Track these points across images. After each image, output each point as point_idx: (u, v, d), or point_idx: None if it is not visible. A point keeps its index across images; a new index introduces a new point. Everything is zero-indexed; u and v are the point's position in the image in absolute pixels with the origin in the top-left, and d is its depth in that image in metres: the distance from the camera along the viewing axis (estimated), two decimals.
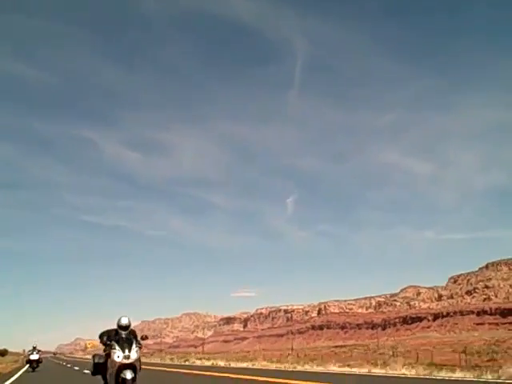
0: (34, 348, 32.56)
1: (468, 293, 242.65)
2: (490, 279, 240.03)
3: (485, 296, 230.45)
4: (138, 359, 9.36)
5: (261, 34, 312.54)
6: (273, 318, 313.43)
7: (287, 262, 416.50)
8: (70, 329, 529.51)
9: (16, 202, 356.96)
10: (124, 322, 9.66)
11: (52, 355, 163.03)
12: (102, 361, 9.71)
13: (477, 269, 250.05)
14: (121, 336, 9.43)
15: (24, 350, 43.07)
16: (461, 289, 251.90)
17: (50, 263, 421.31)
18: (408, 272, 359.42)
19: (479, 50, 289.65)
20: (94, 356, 9.95)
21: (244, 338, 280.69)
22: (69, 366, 44.71)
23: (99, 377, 9.73)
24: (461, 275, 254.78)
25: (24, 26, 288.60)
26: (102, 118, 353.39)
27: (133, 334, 9.78)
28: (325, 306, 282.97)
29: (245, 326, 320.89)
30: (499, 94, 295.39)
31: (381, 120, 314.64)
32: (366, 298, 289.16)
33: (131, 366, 9.11)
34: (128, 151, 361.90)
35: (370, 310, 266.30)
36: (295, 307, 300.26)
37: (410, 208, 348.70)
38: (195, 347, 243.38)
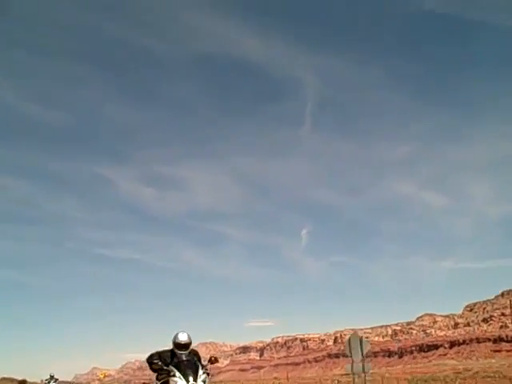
0: (52, 377, 31.27)
1: (484, 320, 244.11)
2: (506, 307, 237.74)
3: (501, 323, 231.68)
4: None
5: (272, 71, 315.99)
6: (289, 347, 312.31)
7: (302, 292, 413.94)
8: (87, 359, 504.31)
9: (32, 237, 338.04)
10: (183, 339, 7.78)
11: None
12: None
13: (493, 297, 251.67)
14: (181, 359, 7.66)
15: (42, 380, 42.07)
16: (477, 317, 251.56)
17: (66, 296, 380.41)
18: (424, 300, 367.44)
19: (492, 82, 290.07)
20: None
21: (260, 367, 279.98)
22: None
23: None
24: (477, 303, 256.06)
25: (38, 66, 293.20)
26: (116, 155, 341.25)
27: (195, 355, 8.06)
28: (341, 335, 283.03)
29: (261, 355, 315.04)
30: (510, 127, 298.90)
31: (395, 153, 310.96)
32: (382, 327, 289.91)
33: None
34: (142, 187, 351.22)
35: (386, 338, 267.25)
36: (311, 336, 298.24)
37: (426, 239, 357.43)
38: (212, 376, 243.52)
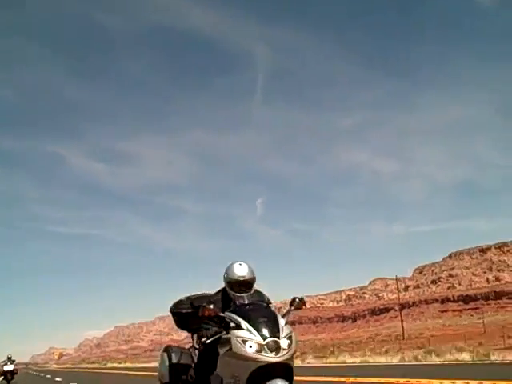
0: (9, 358, 29.06)
1: (433, 282, 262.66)
2: (453, 268, 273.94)
3: (449, 284, 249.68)
4: (292, 355, 3.71)
5: (222, 43, 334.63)
6: None
7: (259, 261, 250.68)
8: (44, 339, 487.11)
9: None
10: (242, 273, 4.41)
11: (24, 366, 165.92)
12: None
13: (441, 259, 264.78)
14: (243, 303, 4.18)
15: None
16: (426, 279, 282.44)
17: (20, 276, 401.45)
18: (376, 265, 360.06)
19: (437, 45, 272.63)
20: (167, 349, 4.94)
21: None
22: (41, 375, 46.10)
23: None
24: (426, 266, 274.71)
25: None
26: (67, 132, 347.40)
27: (263, 300, 4.60)
28: None
29: None
30: (459, 91, 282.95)
31: (345, 122, 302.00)
32: (336, 292, 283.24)
33: (285, 369, 3.62)
34: (94, 162, 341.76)
35: (340, 304, 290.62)
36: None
37: (378, 205, 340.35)
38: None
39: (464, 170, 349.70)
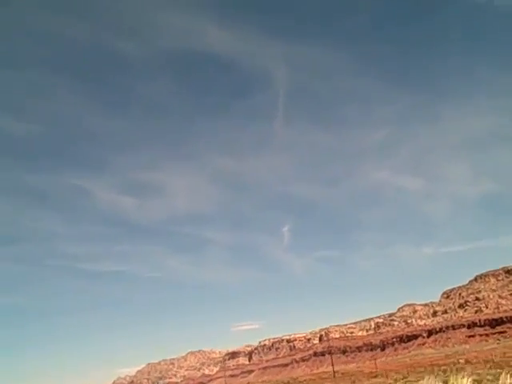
0: None
1: (460, 306, 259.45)
2: (480, 291, 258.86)
3: (476, 308, 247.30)
4: None
5: (241, 64, 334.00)
6: (276, 349, 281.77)
7: (287, 290, 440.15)
8: (78, 377, 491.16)
9: (11, 256, 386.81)
10: None
11: None
12: None
13: (467, 282, 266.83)
14: None
15: None
16: (453, 303, 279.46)
17: (50, 315, 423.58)
18: (405, 290, 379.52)
19: (461, 57, 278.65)
20: None
21: (250, 371, 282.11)
22: None
23: None
24: (453, 289, 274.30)
25: (7, 77, 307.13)
26: (92, 164, 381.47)
27: None
28: (326, 333, 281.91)
29: (250, 359, 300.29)
30: (485, 101, 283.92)
31: (369, 140, 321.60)
32: (365, 320, 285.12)
33: None
34: (121, 195, 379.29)
35: (370, 332, 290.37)
36: (297, 336, 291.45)
37: (405, 225, 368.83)
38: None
39: (491, 186, 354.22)
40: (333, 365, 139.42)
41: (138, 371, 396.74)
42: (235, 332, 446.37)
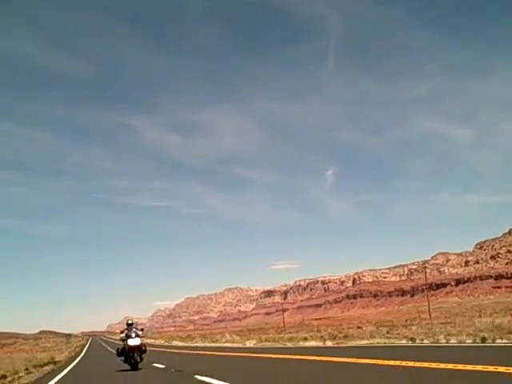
0: (130, 325, 16.03)
1: (492, 258, 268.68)
2: None
3: (507, 260, 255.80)
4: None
5: (294, 11, 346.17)
6: (311, 289, 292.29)
7: (327, 233, 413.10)
8: (119, 308, 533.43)
9: (58, 188, 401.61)
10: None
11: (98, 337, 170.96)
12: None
13: (501, 234, 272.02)
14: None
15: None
16: (486, 254, 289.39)
17: (95, 245, 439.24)
18: (441, 238, 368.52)
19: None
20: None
21: (285, 310, 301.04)
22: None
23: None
24: (486, 241, 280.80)
25: (60, 17, 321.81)
26: (140, 104, 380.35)
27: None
28: (359, 276, 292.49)
29: (285, 298, 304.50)
30: None
31: (418, 90, 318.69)
32: (399, 266, 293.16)
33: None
34: (166, 134, 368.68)
35: (402, 278, 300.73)
36: (332, 278, 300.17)
37: (451, 174, 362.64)
38: (239, 320, 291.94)
39: None
40: None
41: (177, 305, 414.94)
42: (272, 271, 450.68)
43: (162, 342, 62.91)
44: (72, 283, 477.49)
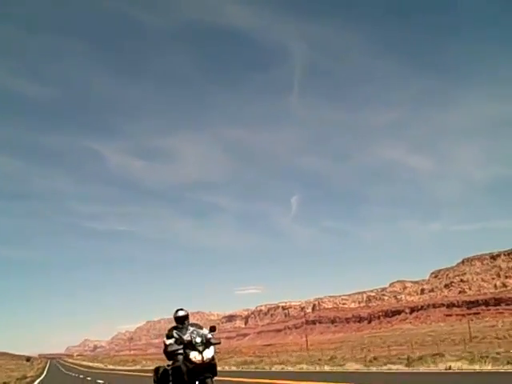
0: (183, 319, 8.10)
1: (446, 286, 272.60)
2: (465, 274, 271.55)
3: (460, 289, 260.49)
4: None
5: (260, 39, 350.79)
6: (272, 315, 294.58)
7: (290, 259, 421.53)
8: (79, 331, 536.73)
9: (22, 212, 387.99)
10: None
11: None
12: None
13: (455, 264, 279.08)
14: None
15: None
16: (440, 283, 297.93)
17: (56, 268, 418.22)
18: (401, 266, 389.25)
19: (476, 44, 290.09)
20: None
21: (245, 335, 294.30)
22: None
23: None
24: (441, 270, 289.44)
25: (25, 40, 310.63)
26: (106, 128, 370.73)
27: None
28: (319, 302, 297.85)
29: (246, 323, 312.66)
30: (497, 89, 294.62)
31: (382, 118, 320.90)
32: (358, 293, 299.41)
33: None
34: (132, 159, 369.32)
35: (361, 304, 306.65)
36: (293, 303, 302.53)
37: (413, 202, 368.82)
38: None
39: (502, 169, 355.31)
40: None
41: (138, 328, 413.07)
42: (236, 296, 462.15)
43: (101, 365, 70.13)
44: (31, 305, 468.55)
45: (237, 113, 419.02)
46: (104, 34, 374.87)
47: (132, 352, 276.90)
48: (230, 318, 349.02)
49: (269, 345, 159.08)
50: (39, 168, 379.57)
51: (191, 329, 7.80)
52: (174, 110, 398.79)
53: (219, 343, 7.75)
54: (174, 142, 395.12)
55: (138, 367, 48.84)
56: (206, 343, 7.33)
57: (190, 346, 7.21)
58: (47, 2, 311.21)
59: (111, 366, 63.24)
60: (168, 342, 7.82)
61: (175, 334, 7.78)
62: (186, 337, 7.48)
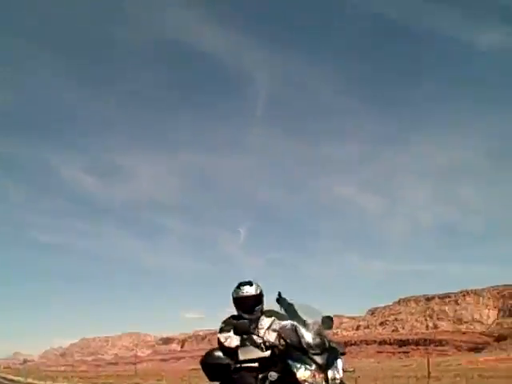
0: (252, 301, 4.68)
1: (381, 324, 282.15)
2: (400, 313, 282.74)
3: (393, 328, 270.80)
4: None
5: (226, 65, 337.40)
6: (209, 340, 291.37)
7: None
8: (8, 343, 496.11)
9: None
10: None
11: None
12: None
13: (391, 303, 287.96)
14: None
15: None
16: (376, 320, 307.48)
17: None
18: (340, 300, 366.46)
19: (436, 88, 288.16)
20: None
21: (180, 358, 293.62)
22: None
23: None
24: (378, 308, 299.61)
25: None
26: (61, 141, 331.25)
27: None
28: None
29: (182, 346, 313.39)
30: (452, 134, 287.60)
31: (338, 155, 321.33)
32: None
33: None
34: (85, 175, 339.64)
35: None
36: None
37: (361, 239, 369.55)
38: (133, 364, 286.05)
39: (448, 213, 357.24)
40: None
41: (72, 344, 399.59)
42: (177, 318, 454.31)
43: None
44: None
45: (196, 136, 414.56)
46: (68, 45, 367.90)
47: (63, 368, 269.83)
48: (167, 341, 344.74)
49: (195, 369, 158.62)
50: None
51: (268, 321, 4.59)
52: (134, 127, 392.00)
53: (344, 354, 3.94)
54: (128, 160, 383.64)
55: None
56: (329, 352, 3.75)
57: (298, 351, 3.67)
58: (8, 6, 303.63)
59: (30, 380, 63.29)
60: (224, 336, 4.53)
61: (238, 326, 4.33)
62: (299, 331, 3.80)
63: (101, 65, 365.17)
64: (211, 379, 4.56)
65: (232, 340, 4.43)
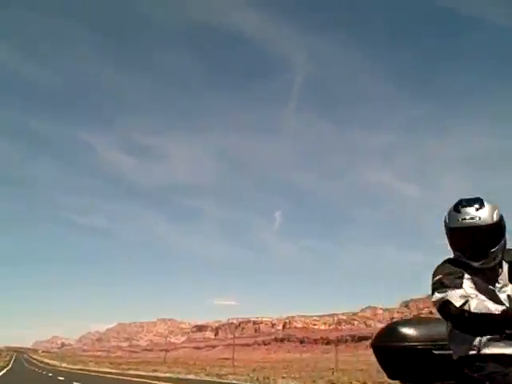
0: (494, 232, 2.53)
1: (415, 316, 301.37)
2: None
3: None
4: None
5: (264, 46, 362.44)
6: (242, 328, 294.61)
7: (269, 274, 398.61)
8: (48, 326, 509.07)
9: (6, 197, 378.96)
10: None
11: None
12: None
13: (425, 295, 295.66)
14: None
15: None
16: (410, 312, 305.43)
17: (31, 260, 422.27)
18: (375, 291, 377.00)
19: (476, 78, 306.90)
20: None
21: (214, 346, 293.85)
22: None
23: None
24: (412, 300, 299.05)
25: (26, 21, 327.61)
26: (100, 121, 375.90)
27: None
28: (290, 321, 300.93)
29: (216, 334, 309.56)
30: (489, 124, 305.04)
31: (376, 141, 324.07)
32: (329, 315, 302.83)
33: None
34: (122, 155, 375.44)
35: (331, 327, 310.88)
36: (264, 319, 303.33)
37: (398, 229, 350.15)
38: (167, 351, 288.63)
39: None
40: None
41: (109, 329, 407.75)
42: (211, 306, 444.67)
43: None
44: (1, 296, 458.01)
45: (233, 119, 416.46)
46: (111, 26, 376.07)
47: (98, 353, 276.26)
48: (201, 328, 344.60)
49: (228, 358, 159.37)
50: (27, 153, 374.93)
51: None
52: (170, 109, 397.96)
53: None
54: (165, 142, 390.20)
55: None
56: None
57: None
58: None
59: (64, 364, 64.36)
60: (442, 295, 2.50)
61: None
62: None
63: (137, 45, 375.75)
64: (393, 376, 2.91)
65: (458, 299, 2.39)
